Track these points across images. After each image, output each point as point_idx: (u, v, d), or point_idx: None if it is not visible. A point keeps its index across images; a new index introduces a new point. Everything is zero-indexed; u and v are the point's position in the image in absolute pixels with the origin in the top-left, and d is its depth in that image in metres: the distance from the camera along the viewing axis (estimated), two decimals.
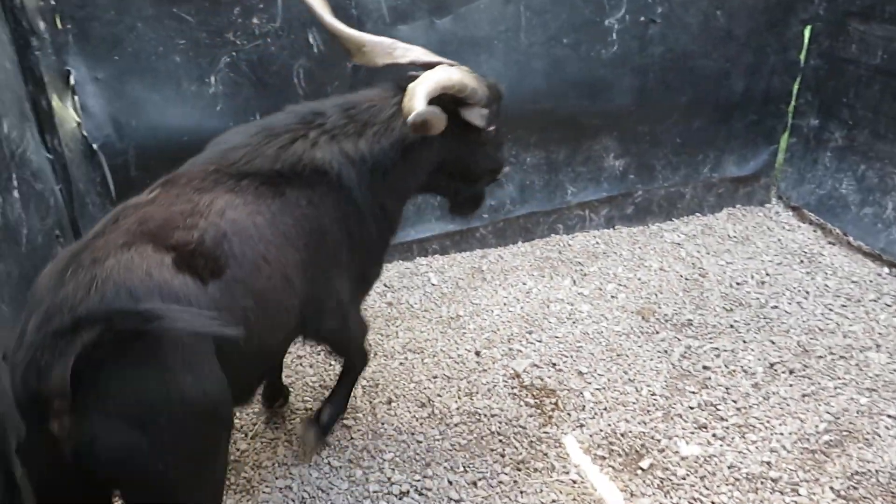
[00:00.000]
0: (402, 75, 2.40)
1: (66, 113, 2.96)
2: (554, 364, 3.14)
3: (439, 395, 2.95)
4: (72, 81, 2.98)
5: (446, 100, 2.25)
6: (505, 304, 3.59)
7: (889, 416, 2.80)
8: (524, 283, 3.76)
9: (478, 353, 3.21)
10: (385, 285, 3.71)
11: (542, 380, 3.05)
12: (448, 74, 2.27)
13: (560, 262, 3.98)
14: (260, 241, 1.99)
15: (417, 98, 2.10)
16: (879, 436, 2.71)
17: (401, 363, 3.14)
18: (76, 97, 3.03)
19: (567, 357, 3.19)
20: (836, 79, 4.10)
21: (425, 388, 2.99)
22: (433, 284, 3.74)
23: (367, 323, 2.68)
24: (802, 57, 4.28)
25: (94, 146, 3.09)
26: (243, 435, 2.78)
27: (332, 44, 3.29)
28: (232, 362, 1.79)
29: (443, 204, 3.85)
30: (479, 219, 3.98)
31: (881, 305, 3.52)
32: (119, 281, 1.61)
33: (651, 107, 4.04)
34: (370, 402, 2.91)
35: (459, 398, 2.94)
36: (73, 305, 1.55)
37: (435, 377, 3.05)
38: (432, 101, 2.14)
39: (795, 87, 4.37)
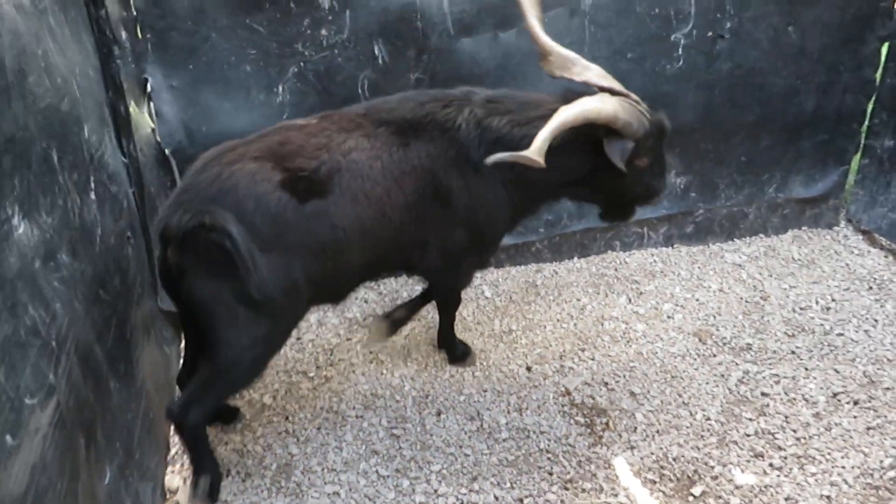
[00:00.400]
0: (575, 88, 2.63)
1: (142, 119, 3.10)
2: (606, 383, 3.10)
3: (488, 409, 2.95)
4: (148, 89, 3.12)
5: (596, 126, 2.47)
6: (558, 320, 3.57)
7: None
8: (578, 300, 3.73)
9: (529, 369, 3.20)
10: None
11: (593, 399, 3.01)
12: (598, 105, 2.43)
13: (616, 279, 3.93)
14: (368, 180, 2.44)
15: (542, 132, 2.31)
16: None
17: (451, 375, 3.16)
18: (152, 104, 3.17)
19: (620, 377, 3.15)
20: None
21: (475, 402, 2.99)
22: (486, 297, 3.75)
23: (472, 278, 3.12)
24: (879, 75, 4.13)
25: (167, 151, 3.22)
26: (295, 439, 2.84)
27: (397, 56, 3.36)
28: (330, 270, 2.43)
29: None
30: (535, 233, 3.98)
31: None
32: (232, 184, 2.21)
33: (716, 124, 3.96)
34: (419, 413, 2.94)
35: (509, 413, 2.93)
36: (198, 190, 2.23)
37: (485, 391, 3.06)
38: (577, 128, 2.43)
39: (870, 106, 4.22)
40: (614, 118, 2.46)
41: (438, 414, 2.93)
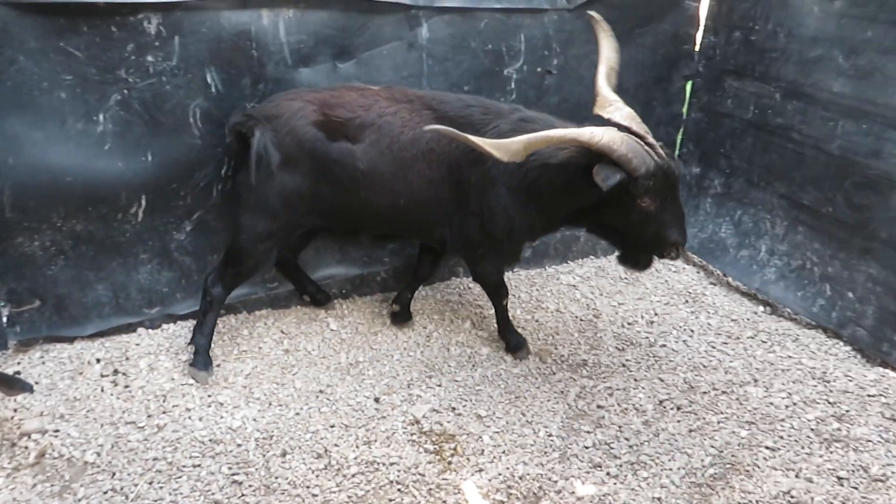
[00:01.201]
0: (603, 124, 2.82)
1: None
2: (454, 408, 3.14)
3: (336, 445, 2.88)
4: None
5: (597, 156, 2.66)
6: (405, 348, 3.58)
7: (767, 448, 2.97)
8: (425, 328, 3.77)
9: (377, 400, 3.17)
10: (282, 332, 3.62)
11: (441, 425, 3.04)
12: (594, 133, 2.63)
13: (460, 305, 4.02)
14: (396, 142, 3.01)
15: (523, 137, 2.64)
16: (758, 467, 2.87)
17: (297, 413, 3.05)
18: None
19: (467, 401, 3.20)
20: (715, 131, 4.42)
21: (322, 438, 2.91)
22: (332, 330, 3.68)
23: (497, 273, 3.41)
24: (685, 110, 4.59)
25: None
26: (123, 497, 2.60)
27: (231, 85, 3.25)
28: (343, 201, 3.13)
29: (344, 247, 3.84)
30: (380, 263, 3.98)
31: (757, 342, 3.76)
32: (280, 112, 3.02)
33: None
34: (263, 456, 2.80)
35: (357, 447, 2.88)
36: (258, 109, 3.10)
37: (332, 426, 2.98)
38: (580, 154, 2.75)
39: (679, 137, 4.67)
40: (609, 148, 2.62)
41: (284, 454, 2.82)
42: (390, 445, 2.90)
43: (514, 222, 3.09)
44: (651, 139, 2.77)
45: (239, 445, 2.84)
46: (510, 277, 4.34)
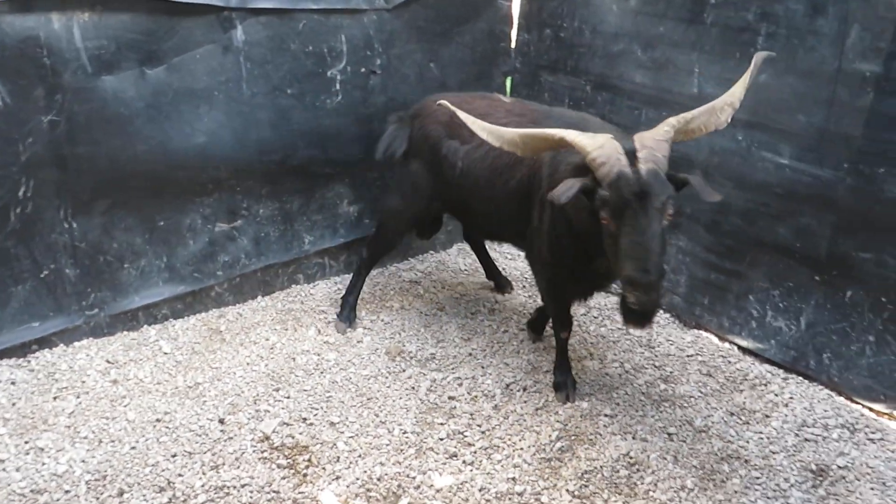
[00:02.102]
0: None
1: None
2: (304, 419, 3.05)
3: (181, 475, 2.69)
4: None
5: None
6: (248, 363, 3.42)
7: (605, 416, 3.17)
8: (267, 339, 3.63)
9: (222, 421, 3.00)
10: (107, 361, 3.33)
11: (293, 437, 2.94)
12: (573, 133, 2.52)
13: (303, 312, 3.92)
14: (491, 150, 3.02)
15: (516, 129, 2.73)
16: (600, 434, 3.05)
17: (132, 447, 2.81)
18: None
19: (317, 409, 3.12)
20: None
21: (164, 470, 2.70)
22: (165, 353, 3.44)
23: (551, 299, 3.32)
24: None
25: None
26: None
27: (21, 96, 2.94)
28: (445, 189, 3.47)
29: (170, 265, 3.61)
30: (213, 276, 3.78)
31: (590, 318, 4.01)
32: (422, 110, 3.60)
33: None
34: (97, 499, 2.55)
35: (204, 473, 2.71)
36: (411, 108, 3.72)
37: (174, 455, 2.78)
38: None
39: None
40: (583, 149, 2.47)
41: (121, 494, 2.58)
42: (240, 467, 2.76)
43: (555, 244, 2.96)
44: (647, 152, 2.42)
45: (67, 492, 2.57)
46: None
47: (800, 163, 3.28)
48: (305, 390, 3.25)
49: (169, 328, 3.65)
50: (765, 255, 3.52)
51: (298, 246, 4.09)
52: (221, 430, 2.95)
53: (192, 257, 3.69)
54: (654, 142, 2.45)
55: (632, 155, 2.41)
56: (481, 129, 2.77)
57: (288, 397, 3.19)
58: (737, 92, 2.51)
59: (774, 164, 3.37)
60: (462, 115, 2.82)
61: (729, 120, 2.45)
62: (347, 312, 3.82)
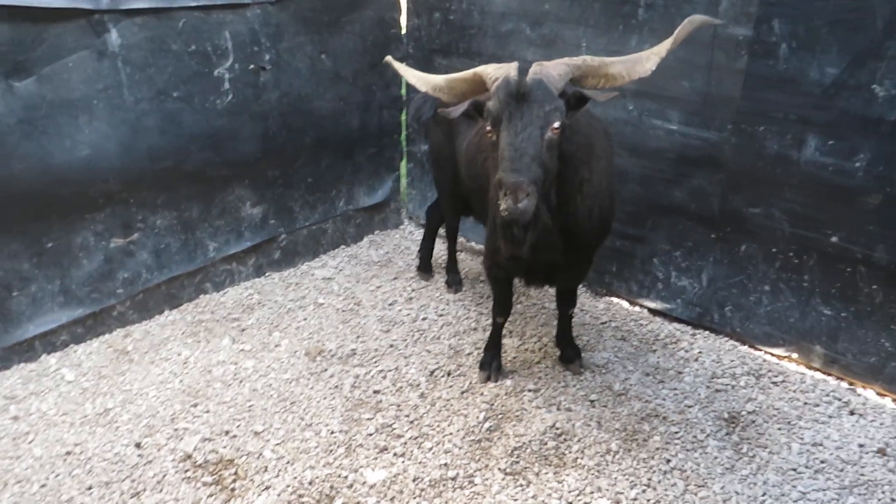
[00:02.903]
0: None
1: None
2: (227, 432, 2.96)
3: None
4: None
5: None
6: (161, 381, 3.28)
7: (530, 391, 3.23)
8: (179, 354, 3.49)
9: (138, 445, 2.86)
10: (4, 397, 3.11)
11: (216, 452, 2.84)
12: (474, 69, 2.54)
13: (215, 322, 3.79)
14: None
15: (441, 76, 2.76)
16: (526, 410, 3.11)
17: (42, 485, 2.64)
18: None
19: (240, 420, 3.03)
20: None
21: None
22: (69, 381, 3.24)
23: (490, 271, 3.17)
24: (403, 92, 4.75)
25: None
26: None
27: None
28: (454, 177, 3.56)
29: (65, 288, 3.41)
30: (113, 295, 3.59)
31: None
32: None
33: (278, 151, 4.10)
34: None
35: (125, 503, 2.58)
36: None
37: (90, 488, 2.63)
38: None
39: (403, 117, 4.83)
40: (487, 75, 2.46)
41: None
42: (163, 490, 2.65)
43: (491, 208, 2.74)
44: (539, 68, 2.38)
45: None
46: (263, 283, 4.20)
47: (687, 127, 3.42)
48: (225, 402, 3.14)
49: (71, 354, 3.44)
50: (664, 218, 3.66)
51: (202, 254, 3.94)
52: (139, 455, 2.82)
53: (87, 277, 3.48)
54: (552, 64, 2.40)
55: (524, 71, 2.38)
56: (413, 77, 2.80)
57: (207, 412, 3.08)
58: (665, 44, 2.50)
59: (665, 130, 3.50)
60: (397, 65, 2.97)
61: (654, 68, 2.44)
62: (426, 264, 4.33)
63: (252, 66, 3.82)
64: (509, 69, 2.39)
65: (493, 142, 2.36)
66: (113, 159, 3.40)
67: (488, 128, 2.37)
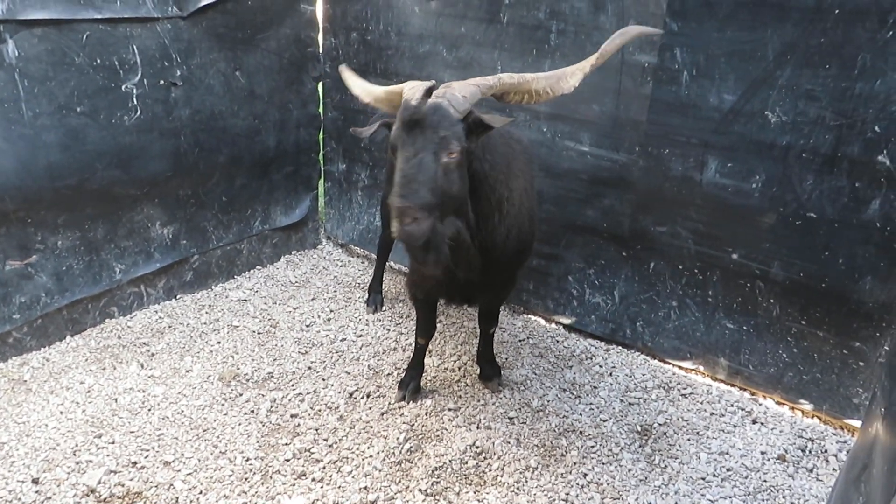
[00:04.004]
0: None
1: None
2: (135, 463, 2.81)
3: None
4: None
5: None
6: (62, 412, 3.09)
7: (449, 409, 3.23)
8: (82, 382, 3.30)
9: (35, 481, 2.68)
10: None
11: (122, 485, 2.70)
12: (402, 84, 2.52)
13: (121, 347, 3.61)
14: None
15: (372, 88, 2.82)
16: (446, 429, 3.11)
17: None
18: None
19: (149, 450, 2.89)
20: (352, 126, 4.61)
21: None
22: None
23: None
24: (321, 110, 4.72)
25: None
26: None
27: None
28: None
29: None
30: (8, 321, 3.37)
31: None
32: None
33: (189, 169, 3.97)
34: None
35: None
36: None
37: None
38: None
39: (321, 136, 4.79)
40: (402, 92, 2.46)
41: None
42: None
43: None
44: (445, 90, 2.38)
45: None
46: (174, 306, 4.04)
47: (599, 149, 3.54)
48: (132, 432, 2.99)
49: None
50: (578, 237, 3.77)
51: (108, 276, 3.75)
52: (36, 491, 2.64)
53: None
54: (460, 85, 2.38)
55: (430, 92, 2.35)
56: (357, 86, 2.83)
57: (113, 442, 2.92)
58: (590, 60, 2.49)
59: (577, 151, 3.61)
60: (345, 73, 2.99)
61: (577, 84, 2.46)
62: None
63: (162, 82, 3.70)
64: (419, 89, 2.34)
65: (392, 164, 2.35)
66: (9, 176, 3.20)
67: (391, 152, 2.36)
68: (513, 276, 3.09)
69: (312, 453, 2.94)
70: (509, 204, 2.69)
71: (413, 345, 3.35)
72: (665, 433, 3.13)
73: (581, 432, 3.11)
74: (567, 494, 2.75)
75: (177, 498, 2.66)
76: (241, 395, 3.29)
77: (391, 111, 2.63)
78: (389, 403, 3.26)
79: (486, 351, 3.42)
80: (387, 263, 4.24)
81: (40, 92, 3.24)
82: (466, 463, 2.89)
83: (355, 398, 3.31)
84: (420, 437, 3.05)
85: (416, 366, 3.36)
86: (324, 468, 2.86)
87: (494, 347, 3.51)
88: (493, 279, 2.89)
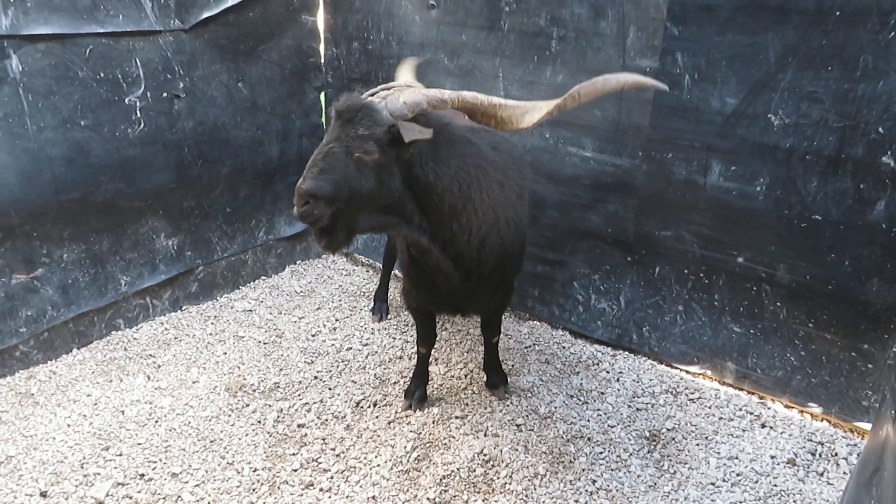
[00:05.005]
0: None
1: None
2: (142, 475, 2.81)
3: None
4: None
5: None
6: (69, 425, 3.09)
7: (456, 417, 3.22)
8: (89, 395, 3.30)
9: (44, 495, 2.68)
10: None
11: (130, 497, 2.69)
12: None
13: (128, 359, 3.61)
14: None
15: None
16: (454, 437, 3.10)
17: None
18: None
19: (156, 462, 2.89)
20: None
21: None
22: None
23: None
24: (323, 120, 4.73)
25: None
26: None
27: None
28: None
29: None
30: (15, 334, 3.38)
31: None
32: None
33: (194, 181, 3.98)
34: None
35: None
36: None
37: None
38: None
39: None
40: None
41: None
42: None
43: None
44: (390, 94, 2.35)
45: None
46: (179, 317, 4.05)
47: (601, 154, 3.54)
48: (140, 444, 2.99)
49: None
50: (582, 242, 3.77)
51: (114, 289, 3.76)
52: None
53: None
54: (409, 93, 2.33)
55: (375, 92, 2.38)
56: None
57: (120, 455, 2.92)
58: (553, 103, 2.34)
59: (580, 157, 3.61)
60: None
61: (532, 125, 2.37)
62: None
63: (165, 94, 3.72)
64: (372, 91, 2.39)
65: None
66: (13, 191, 3.22)
67: None
68: (504, 286, 3.06)
69: (320, 463, 2.93)
70: (471, 214, 2.59)
71: (416, 354, 3.35)
72: (673, 438, 3.11)
73: (589, 438, 3.10)
74: (576, 501, 2.74)
75: None
76: (247, 405, 3.29)
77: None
78: (396, 412, 3.26)
79: (491, 359, 3.42)
80: (392, 272, 4.24)
81: (44, 106, 3.25)
82: (474, 471, 2.88)
83: (362, 407, 3.30)
84: (427, 445, 3.04)
85: (420, 374, 3.35)
86: (331, 478, 2.85)
87: (500, 355, 3.51)
88: (478, 289, 2.85)
